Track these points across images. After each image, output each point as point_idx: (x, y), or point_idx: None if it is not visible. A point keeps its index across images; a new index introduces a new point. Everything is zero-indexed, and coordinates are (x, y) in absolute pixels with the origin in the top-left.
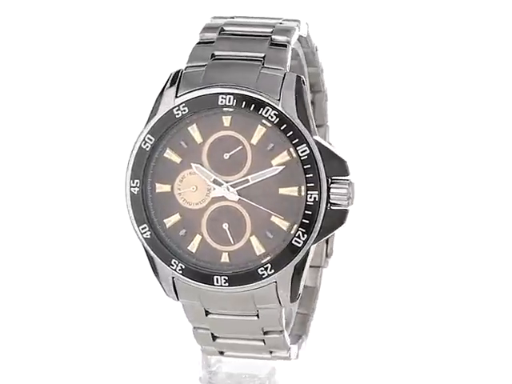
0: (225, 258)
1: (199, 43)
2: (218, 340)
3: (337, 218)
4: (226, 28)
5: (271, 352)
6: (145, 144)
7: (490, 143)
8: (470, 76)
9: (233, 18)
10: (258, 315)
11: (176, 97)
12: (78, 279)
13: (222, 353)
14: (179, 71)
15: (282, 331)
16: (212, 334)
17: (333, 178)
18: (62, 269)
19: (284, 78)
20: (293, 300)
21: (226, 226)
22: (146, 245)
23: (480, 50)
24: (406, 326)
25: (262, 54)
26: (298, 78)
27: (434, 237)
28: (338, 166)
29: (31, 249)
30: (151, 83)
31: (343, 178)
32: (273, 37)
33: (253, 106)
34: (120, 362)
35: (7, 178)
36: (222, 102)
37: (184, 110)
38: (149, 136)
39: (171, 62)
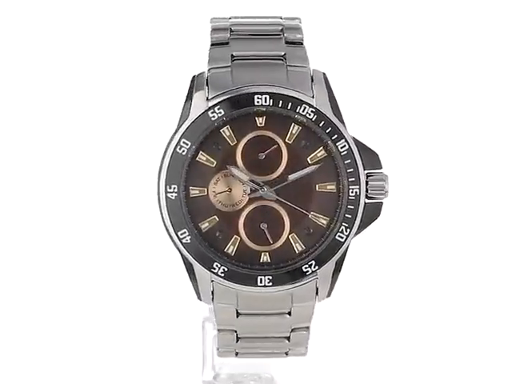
0: (265, 258)
1: (214, 45)
2: (240, 341)
3: (373, 211)
4: (234, 28)
5: (288, 350)
6: (180, 149)
7: (492, 143)
8: (470, 76)
9: (231, 18)
10: (290, 313)
11: (207, 99)
12: (80, 280)
13: (237, 353)
14: (201, 74)
15: (308, 327)
16: (237, 335)
17: (369, 171)
18: (62, 270)
19: (312, 74)
20: (329, 295)
21: (264, 226)
22: (185, 250)
23: (481, 46)
24: (406, 327)
25: (282, 53)
26: (324, 75)
27: (435, 237)
28: (372, 160)
29: (31, 250)
30: (147, 84)
31: (378, 171)
32: (286, 35)
33: (290, 104)
34: (121, 362)
35: (13, 180)
36: (258, 101)
37: (220, 112)
38: (184, 140)
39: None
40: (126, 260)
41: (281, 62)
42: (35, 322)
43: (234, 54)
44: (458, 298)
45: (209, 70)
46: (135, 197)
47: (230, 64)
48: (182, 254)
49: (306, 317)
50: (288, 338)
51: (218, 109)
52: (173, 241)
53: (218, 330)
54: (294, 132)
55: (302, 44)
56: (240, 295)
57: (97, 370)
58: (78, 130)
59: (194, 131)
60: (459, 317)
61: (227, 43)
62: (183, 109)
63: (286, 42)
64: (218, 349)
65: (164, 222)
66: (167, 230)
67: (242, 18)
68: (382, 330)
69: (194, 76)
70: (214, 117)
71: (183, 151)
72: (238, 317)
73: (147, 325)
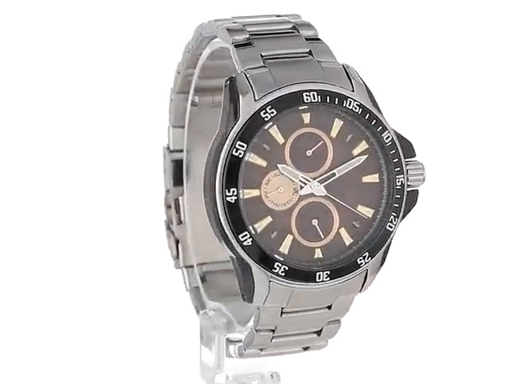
0: (318, 254)
1: (237, 46)
2: (274, 340)
3: (412, 199)
4: (249, 29)
5: (310, 345)
6: (236, 151)
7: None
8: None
9: (233, 18)
10: (329, 307)
11: (255, 100)
12: (80, 280)
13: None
14: (237, 75)
15: (339, 320)
16: (273, 333)
17: (406, 160)
18: (62, 270)
19: (345, 69)
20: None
21: (315, 222)
22: (245, 254)
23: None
24: (407, 328)
25: (307, 49)
26: (355, 69)
27: (435, 237)
28: (407, 148)
29: (32, 250)
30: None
31: (413, 159)
32: (302, 32)
33: (336, 99)
34: (122, 363)
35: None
36: (307, 99)
37: (272, 112)
38: (240, 143)
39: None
40: (126, 260)
41: (310, 58)
42: (32, 320)
43: (263, 53)
44: (460, 296)
45: (245, 70)
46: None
47: (263, 64)
48: (237, 258)
49: (344, 309)
50: (319, 332)
51: (270, 109)
52: (230, 246)
53: (257, 331)
54: (337, 127)
55: (319, 39)
56: (295, 293)
57: (94, 371)
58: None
59: (248, 133)
60: (464, 316)
61: (250, 43)
62: (231, 111)
63: (306, 39)
64: (244, 349)
65: (222, 226)
66: (225, 235)
67: (244, 17)
68: (385, 328)
69: (229, 79)
70: (266, 117)
71: (240, 154)
72: (281, 315)
73: (147, 326)
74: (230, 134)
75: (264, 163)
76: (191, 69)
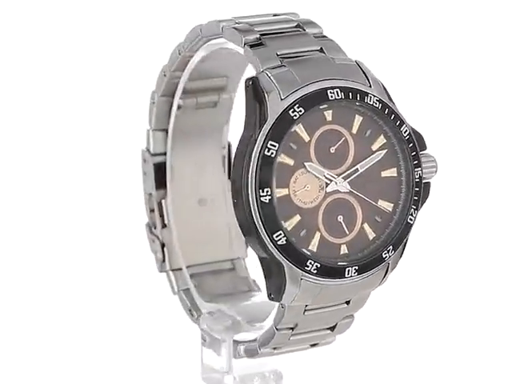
0: (344, 250)
1: (251, 46)
2: (292, 338)
3: (427, 191)
4: (257, 29)
5: (320, 341)
6: (268, 151)
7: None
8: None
9: (235, 18)
10: (348, 302)
11: (281, 100)
12: (79, 281)
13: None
14: (258, 75)
15: (353, 314)
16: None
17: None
18: (63, 271)
19: (359, 65)
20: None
21: (340, 218)
22: (278, 253)
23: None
24: (408, 328)
25: (318, 47)
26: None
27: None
28: (420, 141)
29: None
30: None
31: (425, 152)
32: (307, 30)
33: (358, 95)
34: (123, 365)
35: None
36: (331, 96)
37: (300, 111)
38: (271, 143)
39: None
40: (126, 260)
41: (324, 55)
42: (28, 323)
43: (278, 52)
44: (461, 293)
45: (265, 70)
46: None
47: (281, 63)
48: (268, 258)
49: (361, 304)
50: (332, 328)
51: (298, 107)
52: (263, 246)
53: (277, 329)
54: (358, 123)
55: (326, 37)
56: (323, 290)
57: (94, 372)
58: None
59: (279, 132)
60: (465, 314)
61: (262, 43)
62: (251, 112)
63: (315, 37)
64: (259, 349)
65: (256, 227)
66: (258, 235)
67: (246, 17)
68: (386, 334)
69: (250, 79)
70: (295, 116)
71: (272, 153)
72: (304, 313)
73: (148, 328)
74: (261, 134)
75: (291, 162)
76: (179, 71)
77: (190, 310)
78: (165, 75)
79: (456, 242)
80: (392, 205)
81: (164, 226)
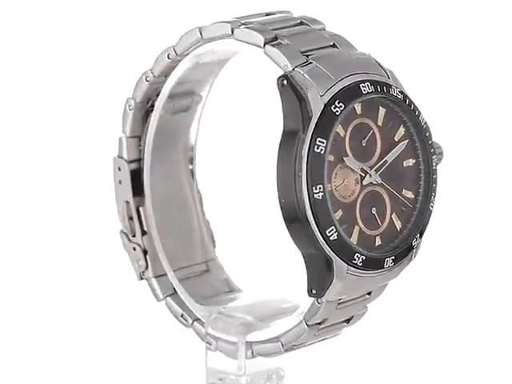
0: (378, 241)
1: (273, 45)
2: (317, 333)
3: (437, 178)
4: (269, 28)
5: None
6: (318, 148)
7: None
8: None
9: (238, 18)
10: (370, 293)
11: (321, 96)
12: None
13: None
14: (289, 73)
15: (367, 305)
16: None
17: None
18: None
19: (372, 58)
20: None
21: (374, 210)
22: (329, 248)
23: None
24: (408, 327)
25: (331, 42)
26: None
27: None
28: (429, 130)
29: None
30: None
31: (432, 139)
32: (313, 27)
33: (384, 88)
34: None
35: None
36: (364, 90)
37: (341, 106)
38: (320, 139)
39: None
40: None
41: (340, 50)
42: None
43: (301, 49)
44: (461, 292)
45: (296, 67)
46: None
47: (307, 60)
48: (317, 255)
49: (379, 294)
50: (348, 320)
51: (338, 103)
52: (314, 242)
53: (309, 326)
54: (382, 115)
55: (333, 33)
56: (362, 282)
57: (93, 374)
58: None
59: (325, 128)
60: (466, 313)
61: (280, 42)
62: (291, 110)
63: (324, 33)
64: (282, 346)
65: (310, 224)
66: (312, 231)
67: (246, 17)
68: (387, 334)
69: (283, 78)
70: (337, 111)
71: (321, 150)
72: (337, 307)
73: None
74: (308, 132)
75: (332, 157)
76: (163, 76)
77: (182, 316)
78: (147, 80)
79: (455, 241)
80: (413, 194)
81: (144, 233)
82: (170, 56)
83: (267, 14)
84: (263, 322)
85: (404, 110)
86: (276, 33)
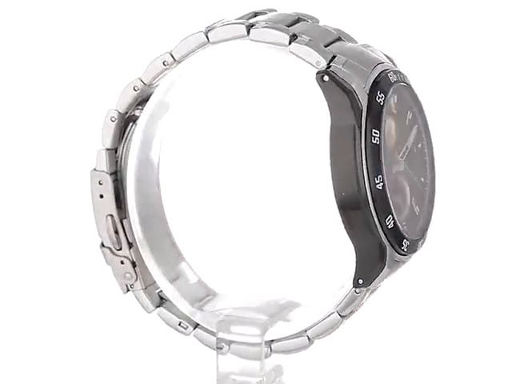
0: (403, 226)
1: (298, 42)
2: (347, 319)
3: None
4: (283, 26)
5: None
6: (374, 139)
7: None
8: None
9: (242, 20)
10: None
11: (363, 88)
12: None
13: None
14: (328, 68)
15: None
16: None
17: None
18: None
19: (377, 49)
20: None
21: (399, 197)
22: (385, 236)
23: None
24: (408, 327)
25: (338, 36)
26: None
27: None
28: None
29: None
30: None
31: None
32: (313, 22)
33: (402, 76)
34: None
35: None
36: (392, 79)
37: (382, 97)
38: (375, 131)
39: None
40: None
41: (349, 43)
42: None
43: (323, 44)
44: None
45: (330, 62)
46: None
47: (333, 53)
48: (371, 243)
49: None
50: None
51: (380, 93)
52: (372, 231)
53: (342, 316)
54: (394, 102)
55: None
56: (399, 266)
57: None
58: None
59: (376, 119)
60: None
61: (303, 39)
62: (339, 104)
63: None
64: (310, 340)
65: (371, 213)
66: (372, 220)
67: (244, 17)
68: (385, 333)
69: (323, 74)
70: (381, 102)
71: (377, 141)
72: (370, 294)
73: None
74: (363, 124)
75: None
76: (152, 84)
77: (179, 324)
78: (135, 89)
79: (455, 241)
80: (422, 177)
81: (131, 245)
82: (166, 63)
83: (256, 13)
84: (283, 319)
85: (412, 97)
86: (292, 30)
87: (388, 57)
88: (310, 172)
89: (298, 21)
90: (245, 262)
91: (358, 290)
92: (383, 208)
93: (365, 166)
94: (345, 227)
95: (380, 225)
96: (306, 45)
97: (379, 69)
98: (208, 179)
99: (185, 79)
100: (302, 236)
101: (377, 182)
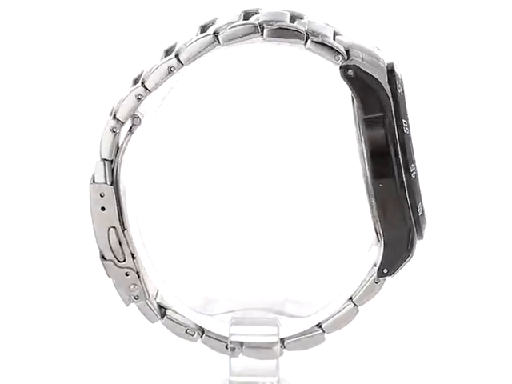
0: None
1: (315, 40)
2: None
3: None
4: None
5: None
6: (406, 129)
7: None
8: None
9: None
10: None
11: (384, 79)
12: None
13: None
14: (354, 63)
15: None
16: None
17: None
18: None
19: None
20: None
21: None
22: (415, 224)
23: None
24: (407, 328)
25: (333, 30)
26: None
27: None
28: None
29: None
30: None
31: None
32: (307, 18)
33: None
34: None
35: None
36: (397, 70)
37: (399, 87)
38: (404, 121)
39: None
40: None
41: (348, 37)
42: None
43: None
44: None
45: (349, 56)
46: None
47: (348, 48)
48: (403, 232)
49: None
50: None
51: (397, 83)
52: (405, 219)
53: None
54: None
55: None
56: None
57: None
58: None
59: (403, 109)
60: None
61: (316, 36)
62: (370, 96)
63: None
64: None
65: (406, 201)
66: (408, 209)
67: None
68: (385, 333)
69: (348, 68)
70: (401, 93)
71: (407, 131)
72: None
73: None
74: (394, 115)
75: None
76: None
77: (186, 331)
78: (139, 98)
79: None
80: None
81: (134, 256)
82: (172, 68)
83: (246, 13)
84: (285, 315)
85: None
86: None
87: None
88: (326, 173)
89: (294, 18)
90: (245, 263)
91: (377, 280)
92: (416, 196)
93: (400, 156)
94: (379, 219)
95: (412, 213)
96: (322, 41)
97: (385, 61)
98: (210, 180)
99: (191, 81)
100: (304, 231)
101: (411, 170)
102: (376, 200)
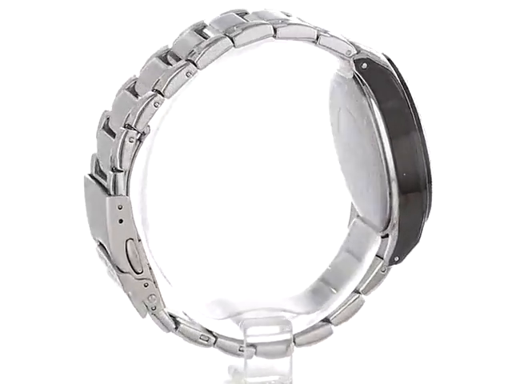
0: None
1: (324, 36)
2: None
3: None
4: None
5: None
6: (421, 120)
7: None
8: None
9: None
10: None
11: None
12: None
13: None
14: (369, 57)
15: None
16: None
17: None
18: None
19: None
20: None
21: None
22: (428, 211)
23: None
24: (408, 328)
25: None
26: None
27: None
28: None
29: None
30: None
31: None
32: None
33: None
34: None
35: None
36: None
37: (402, 80)
38: (418, 111)
39: None
40: None
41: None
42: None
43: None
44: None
45: (358, 50)
46: None
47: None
48: (418, 219)
49: None
50: None
51: (400, 73)
52: (424, 206)
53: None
54: None
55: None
56: None
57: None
58: None
59: (414, 99)
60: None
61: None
62: (389, 88)
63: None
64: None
65: (427, 192)
66: (428, 199)
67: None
68: (391, 335)
69: (363, 61)
70: (405, 83)
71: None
72: None
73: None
74: (411, 105)
75: None
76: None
77: (200, 337)
78: (156, 105)
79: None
80: None
81: (150, 267)
82: (189, 73)
83: (239, 13)
84: (309, 314)
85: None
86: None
87: None
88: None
89: (288, 17)
90: (245, 263)
91: (382, 269)
92: (433, 187)
93: (422, 148)
94: (399, 208)
95: (429, 204)
96: (332, 36)
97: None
98: (213, 182)
99: (207, 86)
100: (304, 231)
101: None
102: (402, 189)
